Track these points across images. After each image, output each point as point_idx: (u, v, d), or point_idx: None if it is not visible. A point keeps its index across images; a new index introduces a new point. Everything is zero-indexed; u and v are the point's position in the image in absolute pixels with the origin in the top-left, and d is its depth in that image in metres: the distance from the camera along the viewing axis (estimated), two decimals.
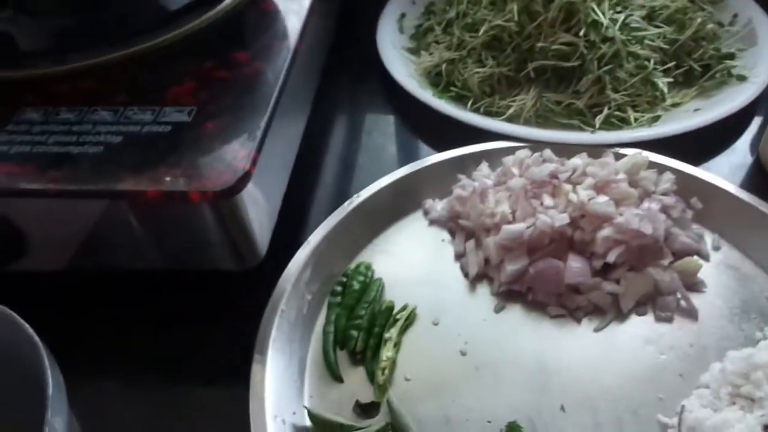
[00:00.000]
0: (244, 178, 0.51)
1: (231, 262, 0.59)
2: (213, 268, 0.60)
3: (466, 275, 0.62)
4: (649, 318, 0.57)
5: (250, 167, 0.52)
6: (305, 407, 0.52)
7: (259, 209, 0.58)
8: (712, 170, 0.71)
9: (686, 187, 0.64)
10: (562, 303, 0.58)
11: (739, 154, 0.74)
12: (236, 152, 0.53)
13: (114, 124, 0.56)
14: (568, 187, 0.61)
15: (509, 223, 0.60)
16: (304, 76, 0.72)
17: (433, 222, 0.68)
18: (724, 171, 0.72)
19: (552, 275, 0.58)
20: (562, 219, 0.58)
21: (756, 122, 0.78)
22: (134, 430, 0.55)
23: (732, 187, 0.64)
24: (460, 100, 0.79)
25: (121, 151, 0.53)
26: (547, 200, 0.61)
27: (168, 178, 0.51)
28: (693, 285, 0.59)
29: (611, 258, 0.57)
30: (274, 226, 0.63)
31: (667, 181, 0.64)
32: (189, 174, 0.51)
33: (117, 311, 0.62)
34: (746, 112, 0.74)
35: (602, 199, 0.59)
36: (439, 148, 0.73)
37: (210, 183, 0.51)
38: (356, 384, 0.55)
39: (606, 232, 0.57)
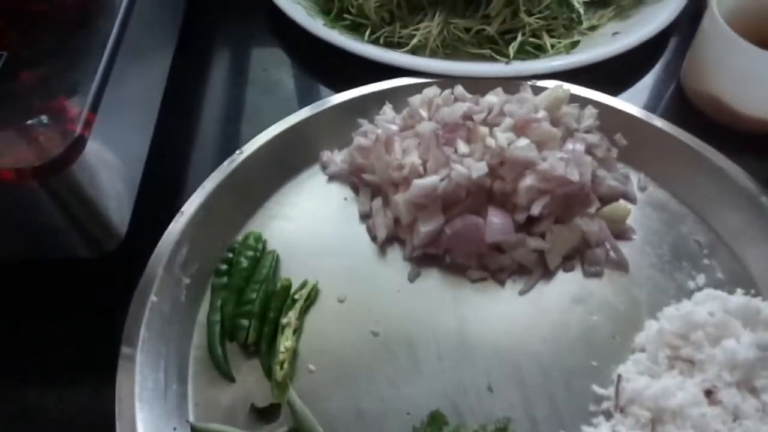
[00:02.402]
0: (76, 146, 0.39)
1: (83, 249, 0.47)
2: (64, 257, 0.48)
3: (374, 239, 0.54)
4: (577, 274, 0.52)
5: (83, 130, 0.40)
6: (188, 422, 0.43)
7: (112, 178, 0.47)
8: (631, 99, 0.65)
9: (608, 121, 0.58)
10: (484, 264, 0.51)
11: (657, 79, 0.69)
12: (64, 111, 0.40)
13: None
14: (484, 129, 0.53)
15: (420, 176, 0.52)
16: (158, 5, 0.58)
17: (332, 177, 0.58)
18: (644, 99, 0.67)
19: (471, 234, 0.50)
20: (479, 169, 0.50)
21: (673, 43, 0.72)
22: None
23: (657, 120, 0.59)
24: (356, 29, 0.68)
25: None
26: (462, 147, 0.52)
27: None
28: (622, 233, 0.54)
29: (535, 210, 0.50)
30: (137, 196, 0.51)
31: (590, 116, 0.57)
32: None
33: None
34: (663, 34, 0.68)
35: (523, 142, 0.51)
36: (336, 87, 0.63)
37: (28, 155, 0.38)
38: (251, 382, 0.46)
39: (529, 180, 0.50)
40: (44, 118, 0.40)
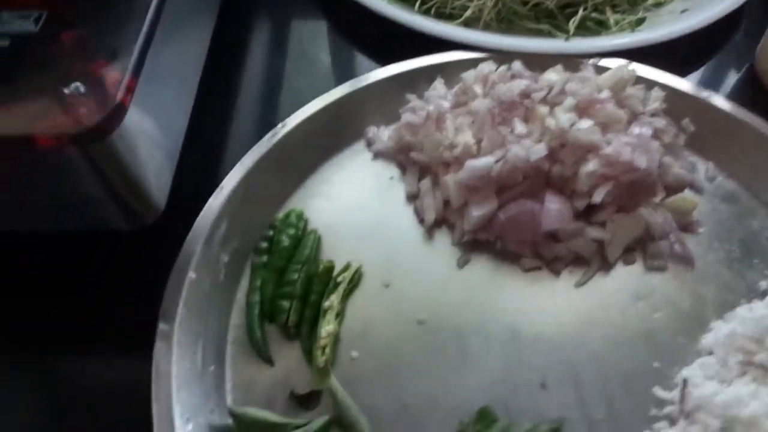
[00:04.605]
0: (116, 113, 0.37)
1: (122, 221, 0.45)
2: (99, 229, 0.47)
3: (421, 221, 0.51)
4: (638, 267, 0.48)
5: (123, 97, 0.38)
6: (226, 405, 0.42)
7: (151, 149, 0.44)
8: (699, 81, 0.61)
9: (674, 104, 0.54)
10: (538, 253, 0.48)
11: (729, 59, 0.64)
12: (104, 76, 0.38)
13: None
14: (543, 109, 0.49)
15: (473, 156, 0.49)
16: None
17: (378, 155, 0.55)
18: (713, 81, 0.62)
19: (527, 221, 0.47)
20: (538, 151, 0.47)
21: (747, 20, 0.67)
22: None
23: (727, 104, 0.54)
24: None
25: None
26: (519, 127, 0.49)
27: (4, 115, 0.36)
28: (688, 225, 0.50)
29: (597, 198, 0.47)
30: (176, 169, 0.49)
31: (656, 99, 0.53)
32: (35, 108, 0.37)
33: None
34: (737, 10, 0.63)
35: (586, 123, 0.48)
36: (384, 61, 0.60)
37: (66, 121, 0.36)
38: (291, 365, 0.44)
39: (591, 165, 0.47)
40: (84, 83, 0.38)
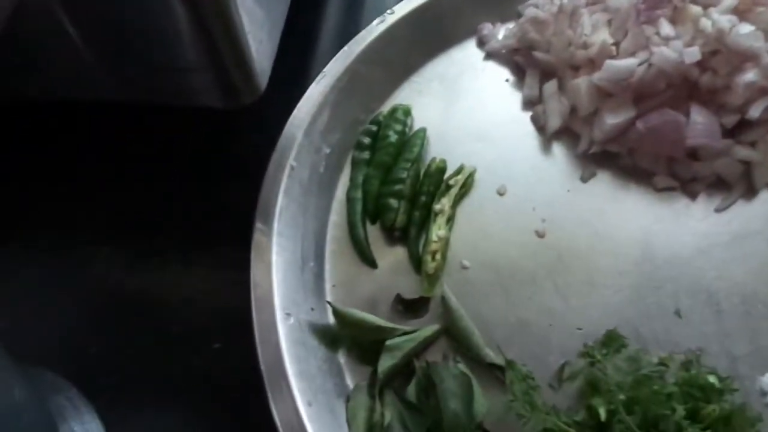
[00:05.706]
0: None
1: (219, 96, 0.42)
2: (196, 105, 0.43)
3: (540, 129, 0.46)
4: None
5: None
6: (328, 303, 0.38)
7: (256, 21, 0.40)
8: None
9: None
10: (673, 171, 0.43)
11: None
12: None
13: None
14: (696, 9, 0.43)
15: (611, 57, 0.43)
16: None
17: (491, 55, 0.50)
18: None
19: (669, 133, 0.42)
20: (692, 54, 0.41)
21: None
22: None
23: None
24: None
25: None
26: (666, 27, 0.43)
27: None
28: None
29: (755, 112, 0.41)
30: (277, 50, 0.44)
31: None
32: None
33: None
34: None
35: (746, 28, 0.41)
36: None
37: None
38: (395, 270, 0.41)
39: (750, 76, 0.41)
40: None
